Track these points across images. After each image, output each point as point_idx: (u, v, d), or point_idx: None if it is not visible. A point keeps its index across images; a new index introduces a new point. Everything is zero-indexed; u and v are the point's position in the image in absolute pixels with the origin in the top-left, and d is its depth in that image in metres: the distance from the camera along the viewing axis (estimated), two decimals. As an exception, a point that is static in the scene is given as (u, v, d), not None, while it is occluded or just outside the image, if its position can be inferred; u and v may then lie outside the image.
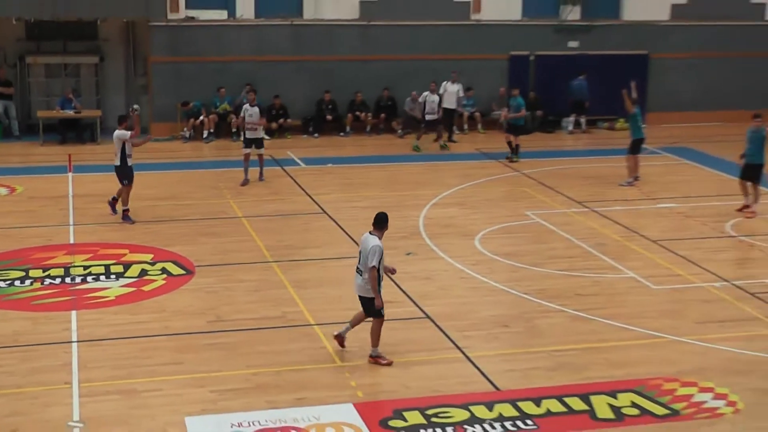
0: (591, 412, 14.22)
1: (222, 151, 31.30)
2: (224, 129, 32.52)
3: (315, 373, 15.13)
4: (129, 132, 22.66)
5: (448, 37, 34.43)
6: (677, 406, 14.53)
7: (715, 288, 19.57)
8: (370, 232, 15.35)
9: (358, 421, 13.59)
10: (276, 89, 32.17)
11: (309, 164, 29.30)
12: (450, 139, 32.41)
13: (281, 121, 32.44)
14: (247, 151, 26.72)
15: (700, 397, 14.84)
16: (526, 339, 16.96)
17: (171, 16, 32.17)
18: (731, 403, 14.63)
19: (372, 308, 15.40)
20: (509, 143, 30.62)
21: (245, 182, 26.68)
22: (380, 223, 15.46)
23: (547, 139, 34.09)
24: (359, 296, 15.53)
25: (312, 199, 25.30)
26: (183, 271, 19.63)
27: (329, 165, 29.42)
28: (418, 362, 15.66)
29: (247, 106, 26.68)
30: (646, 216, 24.75)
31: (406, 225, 23.13)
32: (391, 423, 13.58)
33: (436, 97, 31.81)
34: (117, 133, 22.63)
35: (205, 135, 32.15)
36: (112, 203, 23.09)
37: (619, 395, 14.74)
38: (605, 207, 25.25)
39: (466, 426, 13.61)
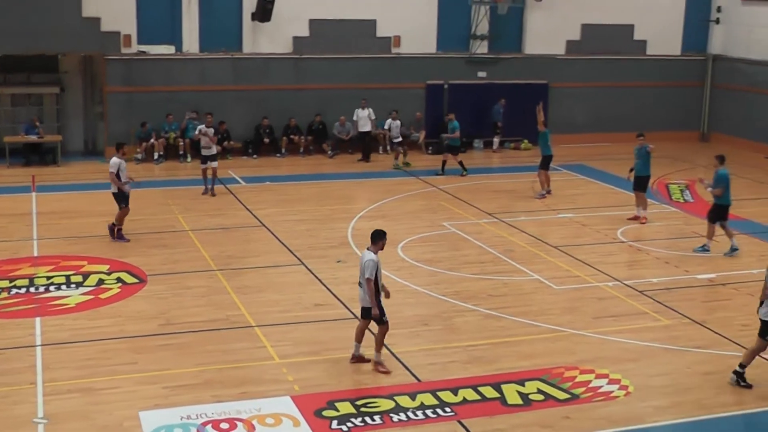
0: (502, 399, 14.28)
1: (171, 171, 30.91)
2: (173, 152, 32.19)
3: (256, 370, 15.00)
4: (119, 161, 22.14)
5: (371, 68, 34.43)
6: (577, 391, 14.66)
7: (608, 287, 19.73)
8: (367, 248, 14.99)
9: (295, 411, 13.53)
10: (219, 116, 31.83)
11: (249, 182, 29.03)
12: (367, 159, 32.42)
13: (225, 143, 32.20)
14: (204, 166, 26.95)
15: (596, 382, 15.01)
16: (444, 335, 16.94)
17: (124, 50, 31.80)
18: (623, 387, 14.85)
19: (370, 317, 15.16)
20: (444, 162, 30.98)
21: (207, 191, 27.04)
22: (374, 238, 15.06)
23: (461, 158, 34.03)
24: (361, 307, 15.23)
25: (252, 213, 25.08)
26: (136, 280, 19.35)
27: (267, 183, 29.19)
28: (349, 358, 15.54)
29: (202, 127, 26.98)
30: (548, 225, 24.85)
31: (337, 236, 23.05)
32: (325, 413, 13.53)
33: (398, 122, 32.50)
34: (111, 160, 22.32)
35: (155, 157, 31.78)
36: (112, 228, 22.34)
37: (527, 383, 14.83)
38: (512, 217, 25.31)
39: (391, 414, 13.60)
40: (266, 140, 33.06)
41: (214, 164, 27.00)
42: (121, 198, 22.20)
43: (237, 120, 32.75)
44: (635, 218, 25.09)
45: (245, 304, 17.99)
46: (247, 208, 25.54)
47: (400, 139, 32.67)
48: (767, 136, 36.13)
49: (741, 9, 37.98)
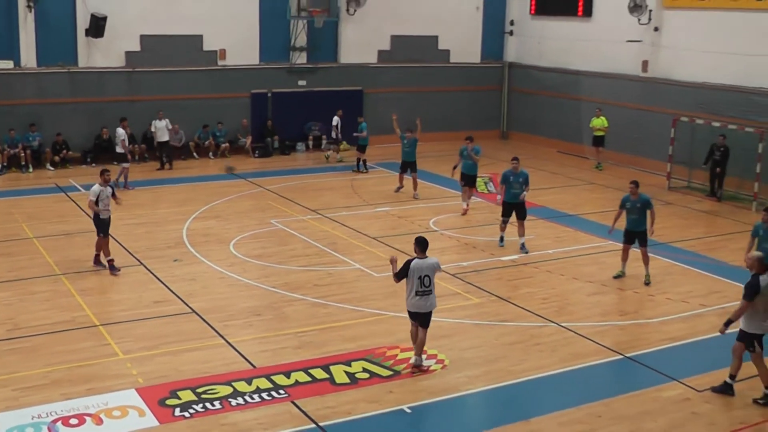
0: (331, 379, 14.41)
1: (14, 182, 29.65)
2: (15, 162, 31.00)
3: (102, 366, 14.68)
4: (97, 189, 19.75)
5: (199, 79, 34.01)
6: (398, 367, 14.91)
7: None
8: (418, 257, 14.49)
9: (140, 402, 13.35)
10: (57, 128, 31.14)
11: (88, 189, 28.00)
12: (166, 166, 31.71)
13: (63, 153, 31.33)
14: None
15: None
16: (276, 324, 16.94)
17: (-37, 66, 30.60)
18: (440, 361, 15.20)
19: (429, 321, 14.77)
20: (359, 159, 31.74)
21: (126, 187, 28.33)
22: (425, 245, 14.59)
23: (285, 160, 34.07)
24: (422, 313, 14.67)
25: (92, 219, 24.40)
26: (-18, 288, 18.63)
27: (106, 189, 28.45)
28: (188, 350, 15.43)
29: (120, 130, 28.61)
30: (367, 219, 25.07)
31: (172, 237, 22.70)
32: (168, 402, 13.39)
33: (338, 120, 33.95)
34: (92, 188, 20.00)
35: (-2, 168, 30.67)
36: (109, 262, 19.90)
37: (353, 363, 15.00)
38: (334, 213, 25.45)
39: (230, 399, 13.57)
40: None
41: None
42: (99, 226, 19.90)
43: (75, 131, 31.86)
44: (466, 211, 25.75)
45: (89, 305, 17.55)
46: (87, 215, 24.79)
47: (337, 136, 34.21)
48: (557, 132, 37.42)
49: (531, 23, 39.17)
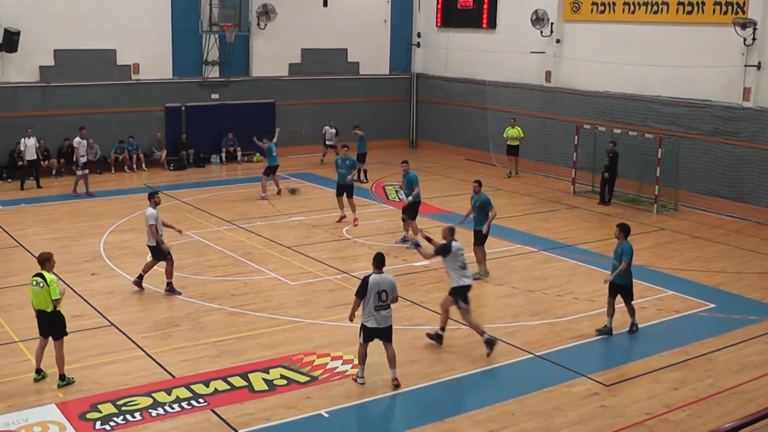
0: (249, 387, 14.39)
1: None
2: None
3: (21, 383, 14.39)
4: (155, 212, 18.89)
5: (114, 93, 33.59)
6: (316, 373, 14.96)
7: (337, 279, 20.14)
8: (376, 273, 14.27)
9: (61, 418, 13.14)
10: (-31, 144, 30.58)
11: (5, 206, 27.58)
12: (27, 185, 30.61)
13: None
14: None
15: (332, 364, 15.37)
16: (194, 334, 16.82)
17: None
18: (355, 366, 15.14)
19: (391, 335, 14.63)
20: (359, 169, 31.43)
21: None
22: (381, 261, 14.39)
23: (200, 173, 33.81)
24: (384, 327, 14.49)
25: (9, 234, 23.89)
26: None
27: (22, 205, 27.90)
28: (108, 363, 15.24)
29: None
30: (281, 228, 25.03)
31: (90, 250, 22.36)
32: (89, 416, 13.21)
33: (333, 130, 35.59)
34: (147, 212, 19.03)
35: None
36: (138, 281, 19.32)
37: (271, 370, 15.00)
38: (249, 223, 25.36)
39: (150, 410, 13.46)
40: (20, 164, 31.56)
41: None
42: (159, 253, 19.04)
43: (-11, 146, 31.29)
44: (342, 218, 25.62)
45: (8, 322, 17.21)
46: (4, 230, 24.32)
47: (332, 142, 35.50)
48: (464, 141, 37.85)
49: (437, 35, 39.58)
